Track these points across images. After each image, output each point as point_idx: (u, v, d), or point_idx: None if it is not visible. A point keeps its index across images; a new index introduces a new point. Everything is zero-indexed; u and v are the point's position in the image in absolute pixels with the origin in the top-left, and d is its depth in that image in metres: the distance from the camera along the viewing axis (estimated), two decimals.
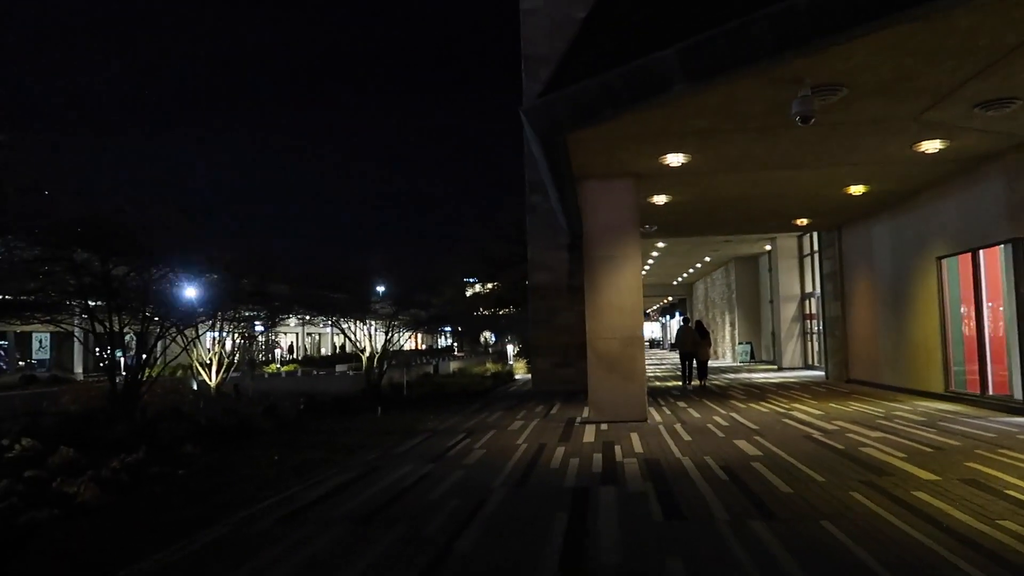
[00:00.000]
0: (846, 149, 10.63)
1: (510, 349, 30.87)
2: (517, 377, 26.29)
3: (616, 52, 8.76)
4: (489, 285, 56.97)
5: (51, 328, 11.66)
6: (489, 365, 28.18)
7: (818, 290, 23.28)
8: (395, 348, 19.33)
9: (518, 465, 8.09)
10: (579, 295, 20.11)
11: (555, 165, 10.57)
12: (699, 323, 20.95)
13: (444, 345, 58.64)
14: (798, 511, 5.62)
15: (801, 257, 26.08)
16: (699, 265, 34.48)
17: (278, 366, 28.32)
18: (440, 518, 5.76)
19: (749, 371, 25.36)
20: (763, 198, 14.26)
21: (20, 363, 40.41)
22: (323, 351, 54.58)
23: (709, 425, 10.91)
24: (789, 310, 26.23)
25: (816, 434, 9.65)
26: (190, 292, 12.85)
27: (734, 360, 32.74)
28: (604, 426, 11.13)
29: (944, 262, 13.26)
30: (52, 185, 10.98)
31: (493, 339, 58.92)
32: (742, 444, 9.00)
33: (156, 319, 11.99)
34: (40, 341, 40.09)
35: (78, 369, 32.71)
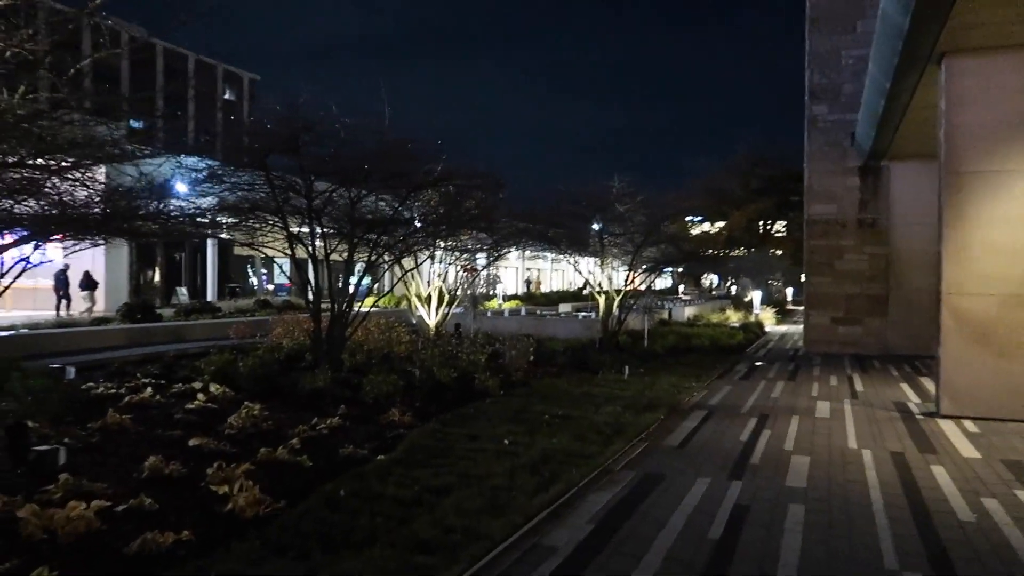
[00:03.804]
0: None
1: (757, 296, 26.73)
2: (768, 329, 22.40)
3: None
4: (719, 224, 52.23)
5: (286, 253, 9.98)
6: (730, 313, 24.42)
7: None
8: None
9: (891, 502, 4.89)
10: (872, 233, 15.88)
11: (926, 16, 6.87)
12: None
13: (663, 287, 54.87)
14: None
15: None
16: None
17: (499, 303, 26.65)
18: None
19: None
20: None
21: (269, 287, 42.94)
22: (543, 289, 53.30)
23: None
24: None
25: None
26: (405, 214, 10.74)
27: None
28: (971, 425, 7.49)
29: None
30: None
31: (716, 282, 54.19)
32: None
33: (367, 244, 10.02)
34: (281, 267, 42.15)
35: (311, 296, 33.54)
